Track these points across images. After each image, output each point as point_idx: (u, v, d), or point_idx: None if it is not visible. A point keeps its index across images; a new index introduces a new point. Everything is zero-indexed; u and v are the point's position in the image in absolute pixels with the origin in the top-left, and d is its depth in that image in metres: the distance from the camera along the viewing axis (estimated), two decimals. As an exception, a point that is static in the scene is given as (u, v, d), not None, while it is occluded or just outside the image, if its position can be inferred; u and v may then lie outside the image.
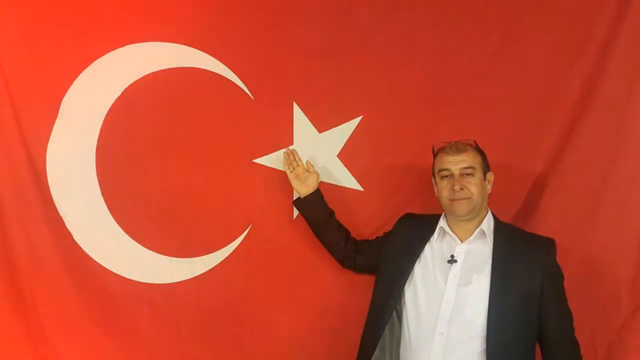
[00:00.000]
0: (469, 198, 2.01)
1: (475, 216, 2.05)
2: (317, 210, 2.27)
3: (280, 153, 2.34)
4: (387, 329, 2.06)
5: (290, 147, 2.34)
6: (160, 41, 2.33)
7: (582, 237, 2.24)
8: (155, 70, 2.34)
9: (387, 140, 2.37)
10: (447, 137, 2.12)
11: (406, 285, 2.04)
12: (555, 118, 2.31)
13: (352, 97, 2.36)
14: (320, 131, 2.37)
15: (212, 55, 2.34)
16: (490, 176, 2.11)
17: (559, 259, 2.00)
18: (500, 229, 2.06)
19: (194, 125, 2.35)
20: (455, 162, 2.04)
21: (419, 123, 2.36)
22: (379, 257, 2.17)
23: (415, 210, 2.25)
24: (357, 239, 2.30)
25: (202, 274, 2.35)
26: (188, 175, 2.36)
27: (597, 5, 2.25)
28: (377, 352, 2.06)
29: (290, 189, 2.32)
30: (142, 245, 2.34)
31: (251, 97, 2.36)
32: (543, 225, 2.22)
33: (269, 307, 2.35)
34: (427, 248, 2.07)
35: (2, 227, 2.27)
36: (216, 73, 2.34)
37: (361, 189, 2.38)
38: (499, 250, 1.99)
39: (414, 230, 2.13)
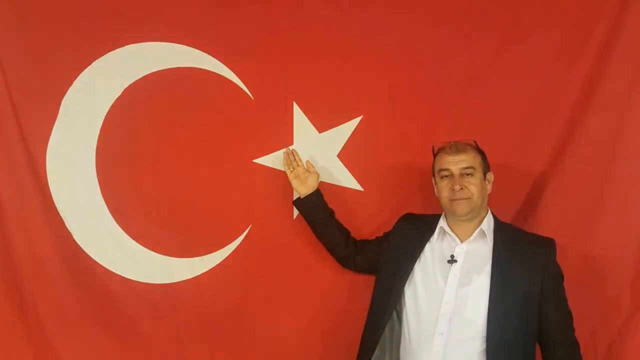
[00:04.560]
0: (469, 198, 2.01)
1: (475, 216, 2.05)
2: (317, 210, 2.27)
3: (280, 153, 2.34)
4: (387, 329, 2.07)
5: (290, 147, 2.34)
6: (160, 41, 2.33)
7: (582, 237, 2.24)
8: (155, 70, 2.34)
9: (387, 140, 2.37)
10: (447, 137, 2.12)
11: (406, 285, 2.04)
12: (555, 118, 2.31)
13: (352, 97, 2.36)
14: (320, 131, 2.37)
15: (212, 55, 2.34)
16: (490, 176, 2.11)
17: (559, 259, 2.00)
18: (500, 229, 2.06)
19: (194, 125, 2.35)
20: (455, 162, 2.04)
21: (419, 123, 2.36)
22: (379, 257, 2.18)
23: (415, 210, 2.25)
24: (357, 239, 2.30)
25: (202, 274, 2.35)
26: (188, 176, 2.35)
27: (597, 5, 2.25)
28: (377, 352, 2.06)
29: (290, 189, 2.32)
30: (142, 245, 2.34)
31: (251, 97, 2.36)
32: (543, 225, 2.22)
33: (269, 307, 2.35)
34: (427, 248, 2.07)
35: (2, 227, 2.27)
36: (216, 73, 2.34)
37: (361, 189, 2.38)
38: (499, 250, 1.99)
39: (414, 230, 2.13)
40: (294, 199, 2.31)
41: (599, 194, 2.25)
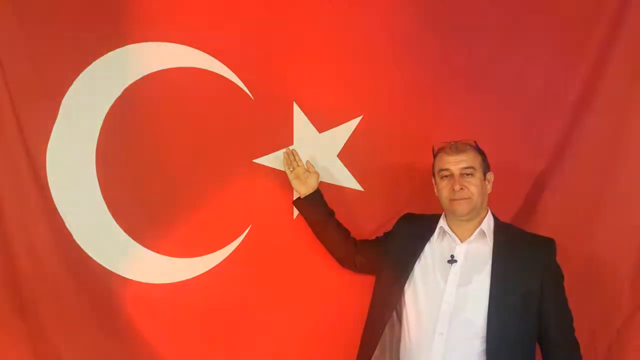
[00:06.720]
0: (469, 198, 2.01)
1: (475, 216, 2.05)
2: (317, 210, 2.28)
3: (280, 153, 2.34)
4: (387, 329, 2.07)
5: (290, 147, 2.34)
6: (160, 41, 2.33)
7: (582, 237, 2.25)
8: (155, 70, 2.33)
9: (387, 140, 2.37)
10: (447, 137, 2.12)
11: (406, 285, 2.04)
12: (555, 118, 2.31)
13: (352, 97, 2.36)
14: (320, 131, 2.37)
15: (212, 55, 2.33)
16: (490, 176, 2.11)
17: (559, 259, 2.01)
18: (500, 229, 2.06)
19: (194, 125, 2.35)
20: (455, 162, 2.04)
21: (419, 123, 2.36)
22: (379, 257, 2.18)
23: (415, 210, 2.25)
24: (357, 239, 2.30)
25: (202, 274, 2.35)
26: (188, 176, 2.35)
27: (597, 5, 2.26)
28: (377, 352, 2.06)
29: (290, 189, 2.32)
30: (142, 245, 2.34)
31: (251, 97, 2.36)
32: (543, 225, 2.22)
33: (269, 307, 2.35)
34: (427, 248, 2.07)
35: (2, 227, 2.26)
36: (216, 73, 2.34)
37: (361, 189, 2.38)
38: (499, 250, 1.99)
39: (414, 230, 2.14)
40: (294, 199, 2.32)
41: (599, 194, 2.25)
